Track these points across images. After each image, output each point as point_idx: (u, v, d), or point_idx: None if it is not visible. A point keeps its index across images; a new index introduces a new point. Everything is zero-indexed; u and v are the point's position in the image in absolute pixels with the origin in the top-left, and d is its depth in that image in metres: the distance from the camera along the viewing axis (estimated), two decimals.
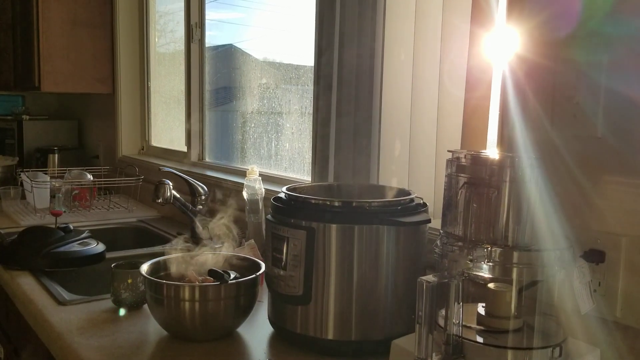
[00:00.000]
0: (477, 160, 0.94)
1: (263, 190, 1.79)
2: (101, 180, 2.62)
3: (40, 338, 1.34)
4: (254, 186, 1.78)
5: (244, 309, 1.24)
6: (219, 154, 2.65)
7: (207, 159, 2.68)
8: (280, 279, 1.15)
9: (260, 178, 1.80)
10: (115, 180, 2.65)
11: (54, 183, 2.47)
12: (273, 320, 1.23)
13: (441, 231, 0.98)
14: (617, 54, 1.01)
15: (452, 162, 0.96)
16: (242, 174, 1.95)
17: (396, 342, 0.98)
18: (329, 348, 1.13)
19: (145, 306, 1.32)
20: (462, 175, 0.93)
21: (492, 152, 1.20)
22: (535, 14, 1.12)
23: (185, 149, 2.76)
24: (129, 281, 1.35)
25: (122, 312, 1.35)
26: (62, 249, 1.71)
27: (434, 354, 0.88)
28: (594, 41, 1.04)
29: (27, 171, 2.58)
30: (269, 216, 1.21)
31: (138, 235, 2.32)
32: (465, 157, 0.94)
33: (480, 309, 0.98)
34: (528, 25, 1.14)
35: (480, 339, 0.92)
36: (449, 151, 0.99)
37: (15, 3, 3.10)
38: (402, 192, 1.27)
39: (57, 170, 2.90)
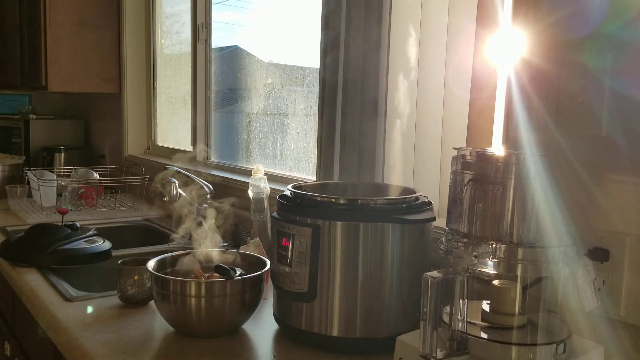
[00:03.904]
0: (483, 157, 0.95)
1: (268, 189, 1.80)
2: (107, 179, 2.63)
3: (47, 333, 1.35)
4: (259, 185, 1.79)
5: (250, 306, 1.25)
6: (225, 153, 2.66)
7: (212, 159, 2.69)
8: (285, 276, 1.16)
9: (265, 177, 1.81)
10: (121, 179, 2.67)
11: (60, 182, 2.49)
12: (278, 317, 1.23)
13: (446, 228, 0.99)
14: (621, 54, 1.02)
15: (458, 159, 0.97)
16: (248, 173, 1.96)
17: (401, 338, 0.99)
18: (334, 345, 1.14)
19: (152, 302, 1.34)
20: (467, 172, 0.94)
21: (497, 149, 1.21)
22: (540, 16, 1.13)
23: (190, 149, 2.77)
24: (136, 277, 1.36)
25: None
26: (68, 246, 1.73)
27: (438, 350, 0.89)
28: (598, 42, 1.04)
29: (33, 170, 2.59)
30: (274, 214, 1.22)
31: (144, 233, 2.33)
32: (470, 154, 0.95)
33: (485, 305, 0.99)
34: (533, 27, 1.14)
35: (484, 335, 0.93)
36: (454, 148, 0.99)
37: (22, 3, 3.12)
38: (407, 191, 1.28)
39: (64, 169, 2.92)
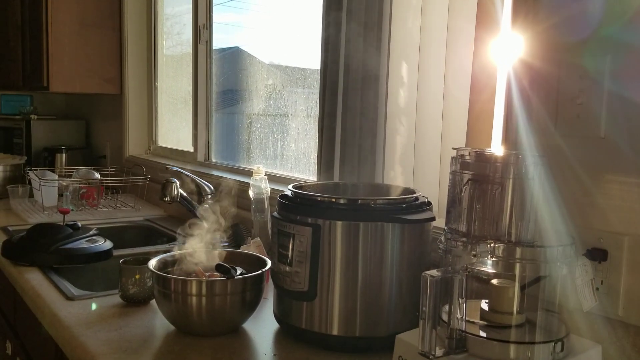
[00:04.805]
0: (481, 157, 0.95)
1: (269, 189, 1.81)
2: (108, 180, 2.64)
3: (48, 332, 1.36)
4: (259, 185, 1.80)
5: (250, 305, 1.25)
6: (225, 154, 2.67)
7: (213, 159, 2.70)
8: (285, 275, 1.17)
9: (266, 177, 1.82)
10: (122, 180, 2.68)
11: (61, 182, 2.50)
12: (278, 316, 1.24)
13: (445, 227, 1.00)
14: (620, 56, 1.03)
15: (457, 159, 0.98)
16: (248, 173, 1.97)
17: (400, 337, 0.99)
18: (334, 344, 1.15)
19: (153, 301, 1.34)
20: (466, 172, 0.95)
21: (496, 149, 1.22)
22: (540, 19, 1.14)
23: (191, 150, 2.78)
24: (137, 276, 1.37)
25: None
26: (70, 245, 1.73)
27: (437, 348, 0.89)
28: (597, 44, 1.05)
29: (35, 170, 2.60)
30: (275, 213, 1.23)
31: (144, 233, 2.34)
32: (469, 154, 0.96)
33: (484, 304, 1.00)
34: (533, 29, 1.15)
35: (483, 334, 0.93)
36: (453, 148, 1.00)
37: (24, 3, 3.14)
38: (407, 191, 1.29)
39: (65, 169, 2.93)
